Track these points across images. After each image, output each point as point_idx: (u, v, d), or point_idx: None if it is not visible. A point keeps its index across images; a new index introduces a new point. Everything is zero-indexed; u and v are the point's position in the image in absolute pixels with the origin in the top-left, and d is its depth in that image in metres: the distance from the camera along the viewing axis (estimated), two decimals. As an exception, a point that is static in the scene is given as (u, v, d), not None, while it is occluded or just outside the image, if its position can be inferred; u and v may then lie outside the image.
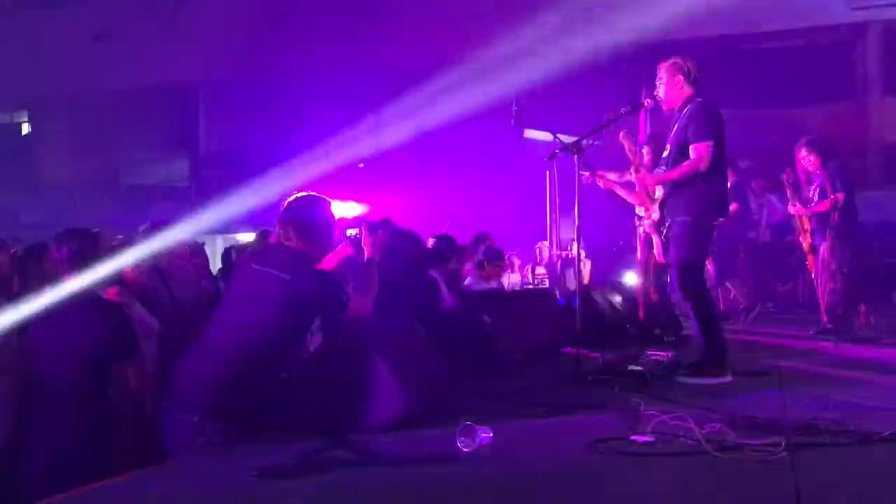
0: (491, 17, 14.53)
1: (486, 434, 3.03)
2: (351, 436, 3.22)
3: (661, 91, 4.79)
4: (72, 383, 3.34)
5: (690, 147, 4.55)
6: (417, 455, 3.07)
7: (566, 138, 5.65)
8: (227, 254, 6.85)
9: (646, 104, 5.20)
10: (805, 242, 6.93)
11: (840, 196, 6.40)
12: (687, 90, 4.71)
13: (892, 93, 14.04)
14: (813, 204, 6.70)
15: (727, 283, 8.40)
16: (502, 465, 2.92)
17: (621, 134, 5.22)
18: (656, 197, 4.94)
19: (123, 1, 16.41)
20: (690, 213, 4.59)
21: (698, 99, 4.67)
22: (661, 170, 4.85)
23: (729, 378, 4.44)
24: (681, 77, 4.70)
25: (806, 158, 6.66)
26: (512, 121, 6.65)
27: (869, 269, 9.17)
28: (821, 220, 6.65)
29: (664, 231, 4.85)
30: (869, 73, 14.24)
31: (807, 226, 6.84)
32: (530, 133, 12.34)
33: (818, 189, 6.62)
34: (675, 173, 4.62)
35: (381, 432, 3.26)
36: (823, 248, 6.60)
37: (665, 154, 4.82)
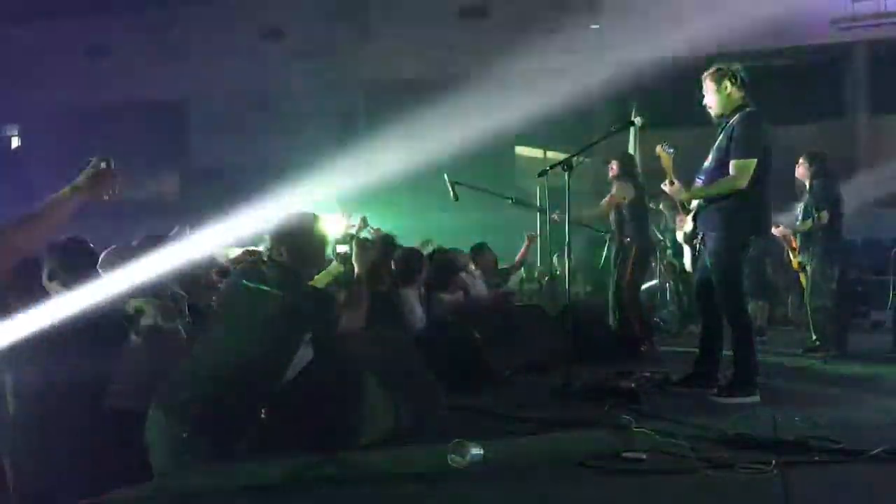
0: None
1: (476, 451, 3.02)
2: (341, 453, 3.21)
3: (709, 100, 4.64)
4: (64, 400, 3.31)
5: (731, 163, 4.41)
6: (408, 472, 3.06)
7: (556, 155, 5.69)
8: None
9: (636, 122, 5.22)
10: (794, 261, 6.98)
11: (824, 216, 6.43)
12: (736, 97, 4.55)
13: (877, 111, 14.20)
14: (797, 223, 6.75)
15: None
16: (493, 483, 2.91)
17: (658, 147, 5.06)
18: (690, 207, 4.82)
19: (115, 17, 16.43)
20: (722, 229, 4.48)
21: (748, 109, 4.53)
22: (699, 180, 4.70)
23: (757, 398, 4.36)
24: (727, 82, 4.55)
25: (800, 167, 6.68)
26: (452, 196, 6.70)
27: (857, 286, 9.25)
28: (805, 238, 6.69)
29: (696, 243, 4.73)
30: (855, 91, 14.40)
31: (794, 244, 6.89)
32: (521, 150, 12.43)
33: (804, 207, 6.67)
34: (713, 189, 4.50)
35: (371, 449, 3.25)
36: (811, 266, 6.65)
37: (706, 164, 4.66)
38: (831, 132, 14.05)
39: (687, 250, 4.90)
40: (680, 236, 4.96)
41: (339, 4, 15.78)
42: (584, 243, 10.06)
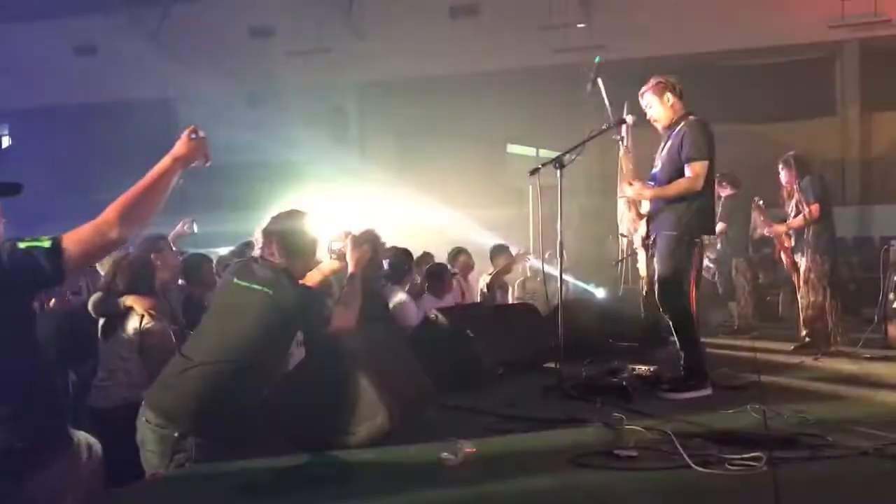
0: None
1: (468, 449, 3.02)
2: (333, 451, 3.21)
3: (653, 114, 4.81)
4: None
5: (686, 166, 4.58)
6: (400, 470, 3.06)
7: (548, 153, 5.66)
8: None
9: (628, 120, 5.24)
10: (787, 259, 6.99)
11: (814, 209, 6.45)
12: (678, 107, 4.75)
13: (869, 109, 14.25)
14: (789, 221, 6.78)
15: (728, 304, 8.43)
16: (485, 481, 2.91)
17: (622, 151, 5.17)
18: (643, 212, 4.95)
19: (104, 15, 16.36)
20: (675, 228, 4.64)
21: (692, 117, 4.71)
22: (649, 184, 4.86)
23: (709, 390, 4.48)
24: (669, 94, 4.74)
25: (782, 173, 6.74)
26: (590, 81, 6.52)
27: (848, 283, 9.28)
28: (798, 235, 6.72)
29: (649, 245, 4.88)
30: (846, 90, 14.45)
31: (788, 243, 6.90)
32: (512, 148, 12.44)
33: (794, 205, 6.69)
34: (672, 189, 4.65)
35: (363, 447, 3.25)
36: (803, 263, 6.66)
37: (655, 170, 4.84)
38: (822, 130, 14.11)
39: (641, 254, 4.97)
40: (637, 240, 5.04)
41: (330, 3, 15.76)
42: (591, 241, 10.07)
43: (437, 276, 6.50)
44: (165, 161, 2.46)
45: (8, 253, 2.19)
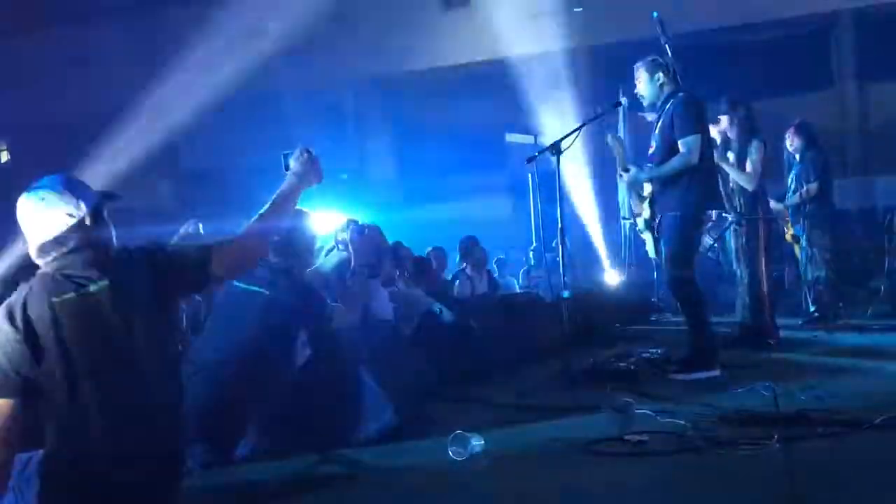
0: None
1: (478, 442, 3.01)
2: (341, 450, 3.19)
3: (641, 89, 4.81)
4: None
5: (679, 142, 4.57)
6: (410, 466, 3.04)
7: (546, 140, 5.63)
8: None
9: (622, 102, 5.21)
10: (787, 233, 6.97)
11: (812, 188, 6.49)
12: (668, 86, 4.74)
13: (867, 80, 14.15)
14: (789, 194, 6.77)
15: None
16: (496, 473, 2.90)
17: (609, 137, 5.17)
18: (645, 194, 4.92)
19: (97, 25, 16.34)
20: (678, 208, 4.61)
21: (680, 93, 4.70)
22: (648, 166, 4.85)
23: (717, 371, 4.46)
24: (660, 73, 4.74)
25: (790, 139, 6.72)
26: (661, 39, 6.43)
27: (852, 254, 9.25)
28: (796, 210, 6.72)
29: (655, 227, 4.85)
30: (843, 61, 14.33)
31: (787, 216, 6.89)
32: (511, 137, 12.40)
33: (795, 176, 6.69)
34: (667, 168, 4.63)
35: (372, 445, 3.24)
36: (805, 237, 6.66)
37: (651, 151, 4.83)
38: (820, 102, 14.01)
39: (648, 237, 4.95)
40: (641, 224, 5.01)
41: (323, 1, 15.69)
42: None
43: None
44: (292, 182, 2.61)
45: (170, 248, 2.46)
